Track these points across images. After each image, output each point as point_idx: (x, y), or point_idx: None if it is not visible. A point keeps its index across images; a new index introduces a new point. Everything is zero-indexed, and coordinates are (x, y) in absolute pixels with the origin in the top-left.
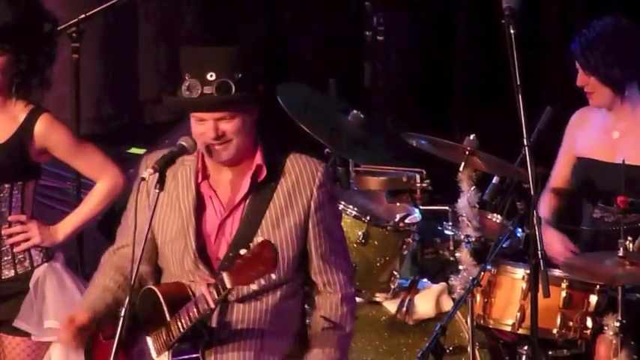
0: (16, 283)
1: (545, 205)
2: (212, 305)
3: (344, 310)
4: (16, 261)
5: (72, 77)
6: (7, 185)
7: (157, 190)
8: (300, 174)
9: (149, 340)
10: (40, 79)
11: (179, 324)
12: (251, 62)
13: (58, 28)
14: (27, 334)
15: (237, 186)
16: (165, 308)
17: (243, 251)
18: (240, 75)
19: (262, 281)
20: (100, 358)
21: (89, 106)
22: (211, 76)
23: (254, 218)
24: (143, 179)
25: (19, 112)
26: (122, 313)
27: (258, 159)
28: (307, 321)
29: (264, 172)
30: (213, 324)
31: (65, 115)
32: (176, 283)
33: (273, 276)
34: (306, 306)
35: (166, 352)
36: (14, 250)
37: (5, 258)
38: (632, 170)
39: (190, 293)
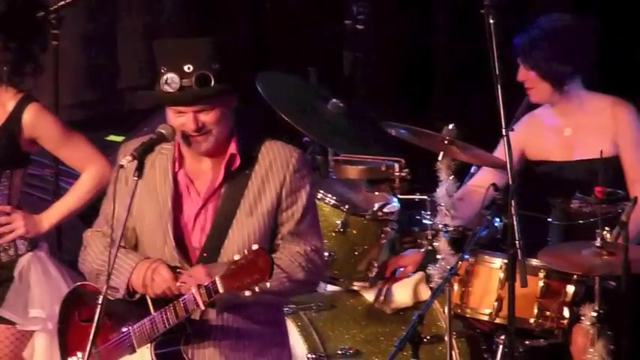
0: (1, 271)
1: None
2: (202, 307)
3: (300, 261)
4: (1, 249)
5: (52, 64)
6: None
7: (136, 178)
8: (274, 160)
9: (130, 331)
10: (33, 67)
11: (165, 319)
12: (228, 52)
13: (39, 15)
14: (10, 323)
15: (214, 175)
16: (149, 302)
17: (237, 257)
18: (217, 66)
19: (256, 289)
20: (74, 339)
21: (68, 93)
22: (189, 68)
23: (229, 207)
24: (122, 167)
25: (8, 100)
26: (100, 301)
27: (232, 148)
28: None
29: (238, 161)
30: (196, 317)
31: (44, 102)
32: None
33: (268, 284)
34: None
35: (148, 344)
36: None
37: None
38: (587, 164)
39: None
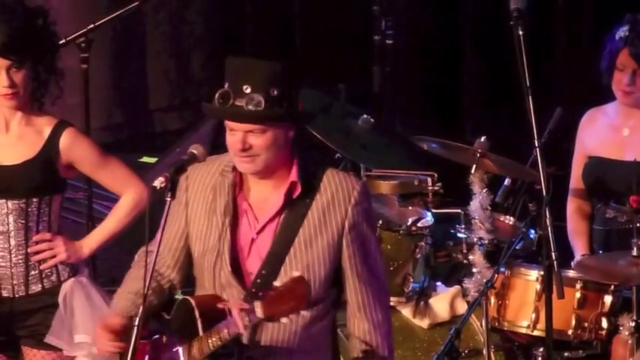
0: (43, 297)
1: (570, 211)
2: (241, 331)
3: (377, 336)
4: (43, 275)
5: (81, 87)
6: (35, 200)
7: (169, 199)
8: (336, 191)
9: (180, 350)
10: (43, 92)
11: (210, 341)
12: (291, 79)
13: (68, 39)
14: (51, 348)
15: (272, 200)
16: (199, 322)
17: (277, 283)
18: (276, 92)
19: (293, 317)
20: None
21: (99, 116)
22: (246, 89)
23: (287, 236)
24: (154, 188)
25: (44, 126)
26: (136, 322)
27: (293, 175)
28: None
29: (299, 189)
30: (245, 342)
31: (75, 125)
32: (212, 297)
33: (304, 312)
34: (338, 330)
35: None
36: (41, 267)
37: (32, 272)
38: (635, 167)
39: (226, 309)
